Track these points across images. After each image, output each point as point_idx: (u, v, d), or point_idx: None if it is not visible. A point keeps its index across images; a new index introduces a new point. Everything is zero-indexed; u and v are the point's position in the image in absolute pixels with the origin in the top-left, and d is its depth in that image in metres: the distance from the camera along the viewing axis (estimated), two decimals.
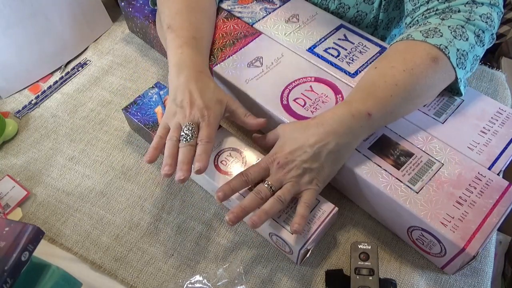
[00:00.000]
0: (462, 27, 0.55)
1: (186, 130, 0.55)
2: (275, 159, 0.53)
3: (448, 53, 0.54)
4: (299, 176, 0.52)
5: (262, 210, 0.51)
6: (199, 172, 0.52)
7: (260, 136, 0.59)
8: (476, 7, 0.56)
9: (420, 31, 0.56)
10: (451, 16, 0.56)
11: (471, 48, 0.56)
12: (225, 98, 0.59)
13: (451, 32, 0.55)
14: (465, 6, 0.56)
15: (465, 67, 0.56)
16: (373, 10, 0.72)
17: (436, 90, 0.57)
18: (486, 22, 0.56)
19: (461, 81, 0.57)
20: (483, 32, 0.56)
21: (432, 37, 0.55)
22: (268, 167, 0.53)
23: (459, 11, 0.56)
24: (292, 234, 0.52)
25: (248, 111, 0.59)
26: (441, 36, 0.55)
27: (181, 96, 0.57)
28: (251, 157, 0.58)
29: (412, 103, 0.56)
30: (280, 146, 0.54)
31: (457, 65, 0.55)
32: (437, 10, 0.58)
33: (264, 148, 0.59)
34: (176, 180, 0.52)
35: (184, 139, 0.54)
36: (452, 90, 0.60)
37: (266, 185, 0.52)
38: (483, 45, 0.57)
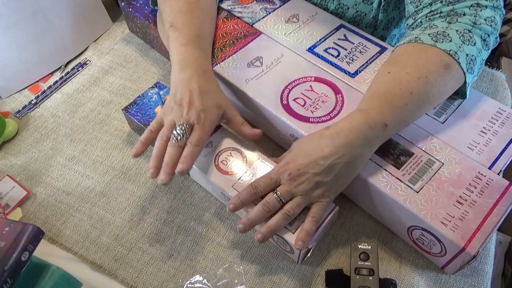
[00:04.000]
0: (469, 31, 0.55)
1: (178, 130, 0.55)
2: (287, 169, 0.51)
3: (458, 58, 0.54)
4: (310, 190, 0.51)
5: (267, 227, 0.51)
6: (181, 173, 0.53)
7: (276, 159, 0.58)
8: (481, 10, 0.56)
9: (428, 34, 0.56)
10: (457, 19, 0.56)
11: (479, 52, 0.56)
12: (224, 103, 0.59)
13: (459, 37, 0.54)
14: (469, 9, 0.56)
15: (473, 71, 0.56)
16: (372, 10, 0.72)
17: (446, 96, 0.57)
18: (491, 25, 0.56)
19: (468, 85, 0.57)
20: (489, 36, 0.56)
21: (442, 41, 0.54)
22: (279, 178, 0.52)
23: (464, 15, 0.56)
24: (295, 249, 0.52)
25: (245, 121, 0.60)
26: (450, 41, 0.54)
27: (181, 94, 0.57)
28: (252, 156, 0.58)
29: (425, 110, 0.56)
30: (292, 156, 0.53)
31: (467, 70, 0.55)
32: (441, 12, 0.57)
33: None
34: (158, 183, 0.53)
35: (174, 139, 0.54)
36: (455, 92, 0.60)
37: (275, 196, 0.51)
38: (488, 49, 0.57)
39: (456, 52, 0.54)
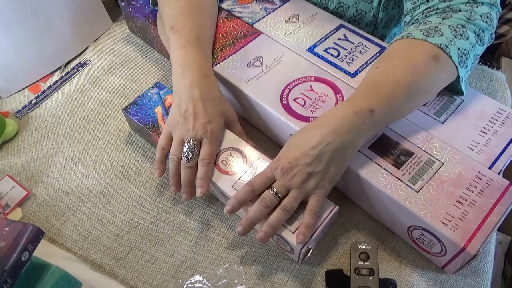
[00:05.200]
0: (463, 26, 0.55)
1: (187, 149, 0.56)
2: (279, 165, 0.52)
3: (449, 52, 0.54)
4: (304, 182, 0.51)
5: (268, 224, 0.51)
6: (201, 196, 0.56)
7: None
8: (477, 7, 0.56)
9: (421, 30, 0.56)
10: (451, 15, 0.56)
11: (472, 47, 0.56)
12: (226, 109, 0.60)
13: (451, 32, 0.55)
14: (465, 5, 0.57)
15: (467, 65, 0.56)
16: (372, 8, 0.72)
17: (438, 87, 0.57)
18: (486, 21, 0.56)
19: (462, 80, 0.57)
20: (483, 31, 0.57)
21: (433, 36, 0.55)
22: (273, 174, 0.53)
23: (459, 11, 0.56)
24: (296, 243, 0.51)
25: (243, 131, 0.62)
26: (442, 35, 0.55)
27: (185, 104, 0.57)
28: (252, 156, 0.58)
29: (415, 100, 0.56)
30: (283, 152, 0.54)
31: (459, 64, 0.55)
32: (437, 9, 0.58)
33: None
34: (183, 200, 0.59)
35: (186, 159, 0.56)
36: (453, 90, 0.60)
37: (271, 192, 0.52)
38: (483, 44, 0.58)
39: (447, 46, 0.54)
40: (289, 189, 0.52)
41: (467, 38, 0.55)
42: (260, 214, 0.52)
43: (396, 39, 0.58)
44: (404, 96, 0.54)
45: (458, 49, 0.54)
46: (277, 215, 0.51)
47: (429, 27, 0.56)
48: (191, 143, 0.56)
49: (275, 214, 0.51)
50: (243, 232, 0.52)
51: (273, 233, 0.52)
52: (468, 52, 0.55)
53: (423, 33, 0.55)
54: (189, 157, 0.56)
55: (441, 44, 0.54)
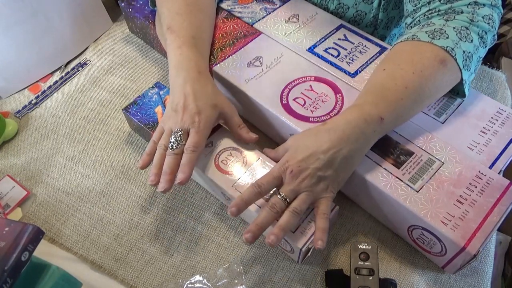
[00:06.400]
0: (467, 28, 0.55)
1: (173, 138, 0.55)
2: (288, 167, 0.51)
3: (455, 55, 0.54)
4: (314, 185, 0.51)
5: (279, 227, 0.50)
6: (181, 183, 0.53)
7: (271, 150, 0.58)
8: (479, 8, 0.56)
9: (426, 32, 0.56)
10: (454, 17, 0.56)
11: (476, 49, 0.56)
12: (221, 103, 0.59)
13: (456, 34, 0.55)
14: (467, 7, 0.56)
15: (470, 68, 0.56)
16: (372, 9, 0.72)
17: (443, 91, 0.57)
18: (489, 23, 0.56)
19: (466, 82, 0.57)
20: (486, 33, 0.56)
21: (439, 38, 0.54)
22: (281, 175, 0.52)
23: (462, 12, 0.56)
24: (316, 249, 0.51)
25: (243, 123, 0.60)
26: (447, 37, 0.54)
27: (177, 99, 0.57)
28: (252, 156, 0.58)
29: (421, 105, 0.56)
30: (291, 153, 0.53)
31: (463, 67, 0.55)
32: (439, 11, 0.58)
33: (276, 161, 0.57)
34: (158, 191, 0.54)
35: (170, 147, 0.55)
36: (454, 91, 0.60)
37: (280, 197, 0.51)
38: (486, 46, 0.58)
39: (453, 49, 0.54)
40: (298, 193, 0.51)
41: (471, 41, 0.55)
42: (270, 220, 0.51)
43: (401, 41, 0.58)
44: (411, 102, 0.54)
45: (463, 52, 0.54)
46: (288, 218, 0.50)
47: (434, 29, 0.56)
48: (178, 133, 0.55)
49: (285, 217, 0.50)
50: (252, 239, 0.50)
51: (284, 235, 0.50)
52: (472, 55, 0.55)
53: (428, 35, 0.55)
54: (174, 145, 0.55)
55: (447, 47, 0.54)
